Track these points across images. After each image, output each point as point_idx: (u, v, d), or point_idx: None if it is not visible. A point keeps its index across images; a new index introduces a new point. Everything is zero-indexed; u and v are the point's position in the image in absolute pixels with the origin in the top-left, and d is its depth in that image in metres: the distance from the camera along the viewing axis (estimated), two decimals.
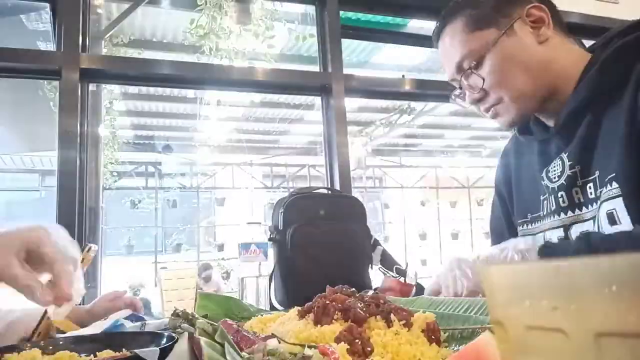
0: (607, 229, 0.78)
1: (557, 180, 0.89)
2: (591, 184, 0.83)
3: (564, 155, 0.87)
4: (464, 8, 0.90)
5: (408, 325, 0.67)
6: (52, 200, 1.83)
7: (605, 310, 0.17)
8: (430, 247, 7.22)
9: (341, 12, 2.40)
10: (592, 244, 0.73)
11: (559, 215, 0.90)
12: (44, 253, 0.64)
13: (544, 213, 0.94)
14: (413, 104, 6.01)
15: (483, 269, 0.24)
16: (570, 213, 0.88)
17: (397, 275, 1.39)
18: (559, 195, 0.89)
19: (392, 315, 0.68)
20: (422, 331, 0.67)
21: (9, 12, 2.76)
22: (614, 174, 0.78)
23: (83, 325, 0.97)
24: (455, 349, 0.68)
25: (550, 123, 0.93)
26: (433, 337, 0.67)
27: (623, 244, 0.71)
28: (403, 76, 2.63)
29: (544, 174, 0.92)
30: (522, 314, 0.21)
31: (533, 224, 0.98)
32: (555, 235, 0.91)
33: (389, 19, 2.74)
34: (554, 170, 0.90)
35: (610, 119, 0.81)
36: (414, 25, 2.76)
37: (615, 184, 0.78)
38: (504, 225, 1.09)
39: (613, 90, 0.80)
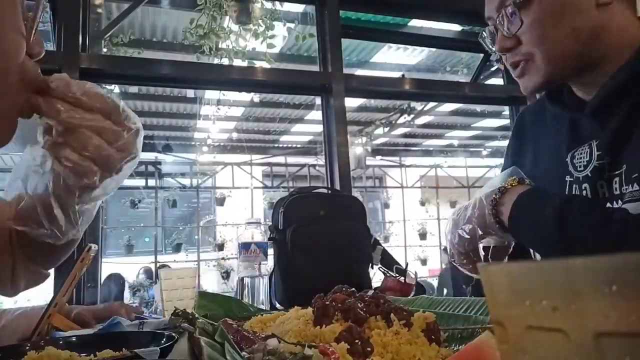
0: None
1: (583, 171, 0.80)
2: (617, 179, 0.75)
3: (594, 144, 0.79)
4: None
5: (408, 325, 0.67)
6: None
7: (605, 310, 0.17)
8: (430, 247, 7.22)
9: (341, 12, 2.40)
10: (566, 221, 0.69)
11: None
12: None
13: None
14: (413, 103, 6.01)
15: (483, 269, 0.24)
16: None
17: (397, 275, 1.39)
18: (583, 187, 0.81)
19: (392, 315, 0.68)
20: (422, 331, 0.67)
21: None
22: (638, 174, 0.71)
23: (83, 325, 0.97)
24: (455, 349, 0.68)
25: (586, 98, 0.83)
26: (433, 337, 0.67)
27: (598, 228, 0.67)
28: (403, 76, 2.63)
29: (569, 159, 0.83)
30: (522, 314, 0.21)
31: None
32: None
33: (389, 19, 2.74)
34: (580, 158, 0.81)
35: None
36: (414, 25, 2.76)
37: (637, 186, 0.71)
38: None
39: None
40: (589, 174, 0.79)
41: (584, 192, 0.81)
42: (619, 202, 0.75)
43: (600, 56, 0.77)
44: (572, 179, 0.83)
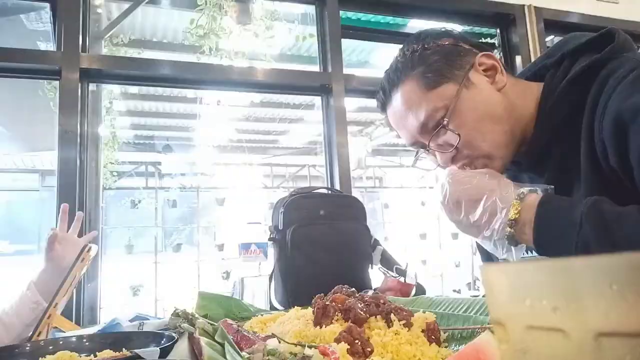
0: None
1: None
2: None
3: (539, 190, 0.83)
4: (412, 69, 0.86)
5: (408, 325, 0.67)
6: (52, 200, 1.83)
7: (605, 310, 0.17)
8: (430, 247, 7.22)
9: (341, 12, 2.40)
10: (600, 214, 0.67)
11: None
12: None
13: None
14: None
15: (483, 269, 0.24)
16: None
17: (397, 275, 1.39)
18: None
19: (392, 315, 0.68)
20: (422, 331, 0.67)
21: (9, 12, 2.76)
22: (583, 191, 0.77)
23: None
24: (455, 349, 0.68)
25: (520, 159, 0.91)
26: (433, 337, 0.67)
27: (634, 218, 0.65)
28: None
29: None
30: (522, 314, 0.21)
31: None
32: None
33: (389, 19, 2.74)
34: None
35: (573, 156, 0.79)
36: (414, 25, 2.76)
37: None
38: None
39: (568, 121, 0.79)
40: None
41: None
42: None
43: (521, 129, 0.84)
44: None
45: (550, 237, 0.71)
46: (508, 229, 0.73)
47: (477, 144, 0.83)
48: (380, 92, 0.93)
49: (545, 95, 0.82)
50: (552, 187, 0.78)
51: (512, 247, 0.75)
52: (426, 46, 0.87)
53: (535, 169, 0.88)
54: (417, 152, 0.95)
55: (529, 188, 0.75)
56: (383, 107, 0.94)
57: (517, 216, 0.72)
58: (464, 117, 0.82)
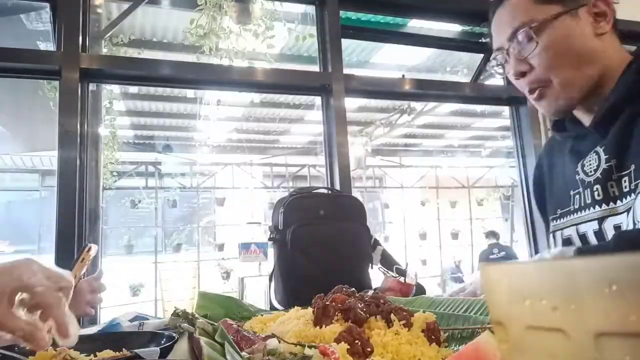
0: None
1: (593, 174, 0.89)
2: (626, 178, 0.83)
3: (600, 149, 0.88)
4: None
5: (408, 325, 0.67)
6: (52, 200, 1.83)
7: (605, 310, 0.17)
8: (430, 247, 7.22)
9: (341, 12, 2.40)
10: (630, 241, 0.73)
11: (594, 208, 0.91)
12: (36, 293, 0.59)
13: (575, 207, 0.95)
14: (413, 104, 6.00)
15: (483, 269, 0.24)
16: (604, 206, 0.88)
17: (397, 275, 1.39)
18: (595, 188, 0.89)
19: (392, 315, 0.68)
20: (422, 331, 0.67)
21: (9, 12, 2.76)
22: None
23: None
24: (455, 349, 0.68)
25: (585, 120, 0.94)
26: (433, 337, 0.67)
27: None
28: (403, 76, 2.63)
29: (579, 168, 0.93)
30: (522, 314, 0.21)
31: (562, 219, 0.99)
32: (590, 228, 0.91)
33: (389, 19, 2.74)
34: (590, 164, 0.90)
35: None
36: (414, 25, 2.76)
37: None
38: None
39: None
40: (600, 176, 0.88)
41: (596, 192, 0.89)
42: (630, 196, 0.82)
43: (599, 79, 0.87)
44: (583, 185, 0.92)
45: None
46: None
47: (549, 70, 0.87)
48: None
49: (633, 62, 0.86)
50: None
51: None
52: None
53: (599, 130, 0.89)
54: (496, 60, 0.97)
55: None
56: (494, 8, 0.96)
57: None
58: (550, 40, 0.86)
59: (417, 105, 6.11)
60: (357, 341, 0.60)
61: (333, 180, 2.23)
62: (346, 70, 2.32)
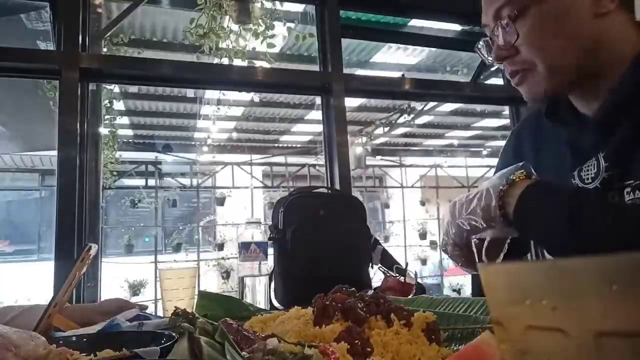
0: None
1: (591, 183, 0.79)
2: (629, 189, 0.74)
3: (600, 156, 0.77)
4: None
5: (408, 325, 0.67)
6: (52, 200, 1.83)
7: (605, 310, 0.17)
8: (430, 247, 7.22)
9: (341, 12, 2.40)
10: (579, 214, 0.65)
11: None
12: None
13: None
14: (413, 103, 6.00)
15: (483, 269, 0.24)
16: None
17: (397, 275, 1.39)
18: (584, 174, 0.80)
19: (392, 315, 0.68)
20: (422, 331, 0.67)
21: (9, 12, 2.76)
22: None
23: (89, 323, 0.97)
24: (455, 349, 0.68)
25: (586, 110, 0.82)
26: (433, 337, 0.67)
27: (612, 220, 0.64)
28: (403, 76, 2.63)
29: (575, 173, 0.81)
30: (522, 314, 0.21)
31: None
32: None
33: (389, 19, 2.74)
34: (587, 172, 0.80)
35: None
36: (414, 25, 2.76)
37: None
38: None
39: None
40: (599, 185, 0.77)
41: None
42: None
43: (600, 66, 0.76)
44: None
45: (529, 216, 0.71)
46: (498, 211, 0.72)
47: (533, 52, 0.76)
48: None
49: None
50: (524, 162, 0.76)
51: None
52: None
53: (601, 130, 0.78)
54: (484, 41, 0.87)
55: (509, 177, 0.74)
56: None
57: (506, 198, 0.72)
58: (538, 21, 0.75)
59: (417, 105, 6.11)
60: (357, 341, 0.60)
61: (333, 180, 2.23)
62: (346, 70, 2.33)
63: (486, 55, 0.87)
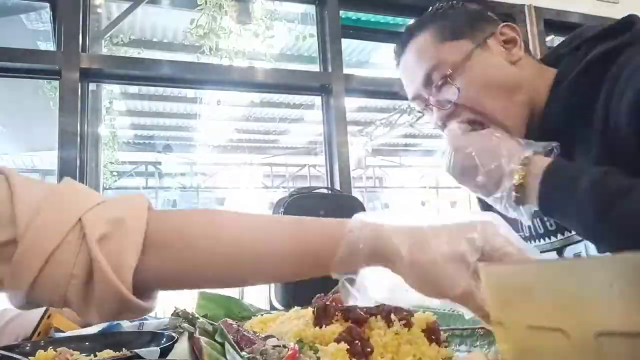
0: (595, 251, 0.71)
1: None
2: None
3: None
4: (432, 21, 0.84)
5: (408, 325, 0.67)
6: None
7: (605, 310, 0.17)
8: None
9: (341, 12, 2.40)
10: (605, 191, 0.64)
11: (549, 238, 0.85)
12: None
13: (526, 234, 0.89)
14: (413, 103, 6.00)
15: (483, 269, 0.24)
16: (560, 236, 0.83)
17: None
18: (545, 219, 0.84)
19: (392, 315, 0.68)
20: (422, 331, 0.67)
21: (9, 12, 2.76)
22: None
23: (89, 324, 0.97)
24: (455, 349, 0.68)
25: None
26: (433, 337, 0.67)
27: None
28: None
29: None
30: (522, 314, 0.21)
31: None
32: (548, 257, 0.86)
33: (389, 19, 2.74)
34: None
35: (582, 141, 0.76)
36: None
37: None
38: None
39: (583, 109, 0.75)
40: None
41: (547, 223, 0.85)
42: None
43: (530, 106, 0.81)
44: (533, 216, 0.80)
45: (557, 206, 0.70)
46: (514, 193, 0.72)
47: (477, 106, 0.80)
48: (398, 41, 0.90)
49: (559, 79, 0.79)
50: (557, 144, 0.76)
51: (521, 207, 0.73)
52: (453, 5, 0.87)
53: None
54: (416, 111, 0.92)
55: (534, 150, 0.73)
56: (398, 55, 0.90)
57: (522, 181, 0.71)
58: (470, 77, 0.80)
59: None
60: (357, 341, 0.60)
61: (333, 180, 2.23)
62: (346, 70, 2.33)
63: (425, 122, 0.90)
